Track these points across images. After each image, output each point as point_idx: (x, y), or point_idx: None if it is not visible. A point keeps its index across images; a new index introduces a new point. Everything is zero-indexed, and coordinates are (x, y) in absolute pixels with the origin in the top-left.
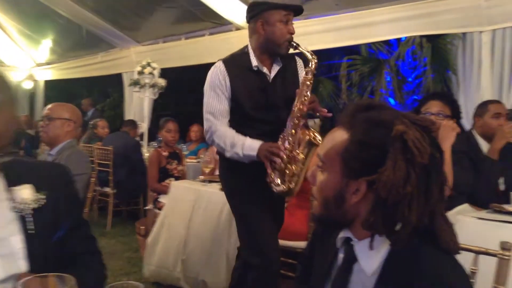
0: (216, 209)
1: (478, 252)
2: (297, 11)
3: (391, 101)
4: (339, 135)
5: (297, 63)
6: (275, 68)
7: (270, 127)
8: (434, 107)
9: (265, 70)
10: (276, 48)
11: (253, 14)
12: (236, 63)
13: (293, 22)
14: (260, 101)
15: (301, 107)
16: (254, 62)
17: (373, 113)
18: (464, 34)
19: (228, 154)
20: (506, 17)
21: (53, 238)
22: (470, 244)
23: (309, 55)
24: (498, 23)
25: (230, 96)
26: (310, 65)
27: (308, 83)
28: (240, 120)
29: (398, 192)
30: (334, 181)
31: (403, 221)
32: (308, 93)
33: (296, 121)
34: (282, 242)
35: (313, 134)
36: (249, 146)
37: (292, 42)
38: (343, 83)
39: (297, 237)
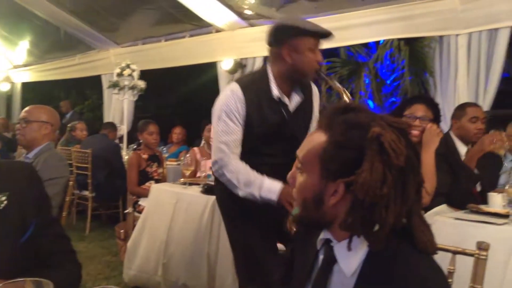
0: (197, 212)
1: (455, 252)
2: (327, 38)
3: (370, 103)
4: (317, 137)
5: (313, 90)
6: (295, 98)
7: (278, 159)
8: (419, 111)
9: (285, 100)
10: (301, 77)
11: (279, 38)
12: (254, 89)
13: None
14: (277, 133)
15: None
16: (275, 91)
17: (351, 115)
18: (441, 37)
19: (240, 193)
20: (481, 20)
21: (22, 239)
22: (447, 244)
23: (341, 90)
24: (474, 26)
25: (244, 124)
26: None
27: None
28: (248, 151)
29: (375, 193)
30: (313, 182)
31: (381, 222)
32: None
33: None
34: None
35: None
36: (268, 188)
37: (321, 73)
38: (322, 85)
39: None
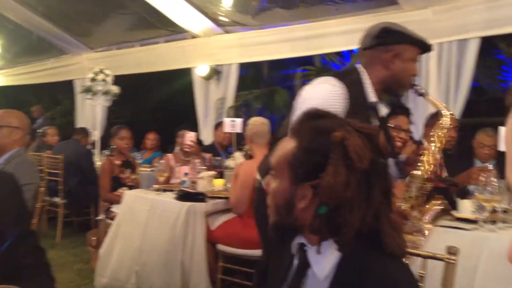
0: (171, 218)
1: (425, 257)
2: (428, 52)
3: None
4: (287, 144)
5: None
6: (382, 110)
7: None
8: (404, 123)
9: (378, 107)
10: (398, 88)
11: (385, 41)
12: (351, 89)
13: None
14: None
15: (428, 171)
16: (373, 97)
17: (319, 122)
18: None
19: None
20: (452, 30)
21: (0, 249)
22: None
23: (440, 106)
24: (444, 36)
25: None
26: (442, 121)
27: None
28: None
29: (338, 196)
30: (284, 187)
31: (346, 224)
32: (437, 156)
33: (421, 185)
34: (237, 251)
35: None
36: None
37: (418, 88)
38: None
39: (252, 245)
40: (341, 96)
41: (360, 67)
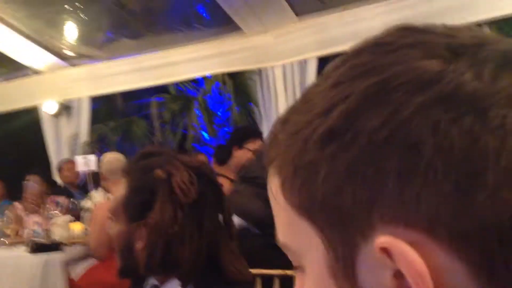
0: (26, 275)
1: (274, 276)
2: None
3: (205, 135)
4: (122, 186)
5: None
6: None
7: None
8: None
9: None
10: None
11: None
12: None
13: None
14: None
15: None
16: None
17: (147, 161)
18: (260, 69)
19: None
20: (292, 53)
21: None
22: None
23: None
24: (286, 58)
25: None
26: None
27: None
28: None
29: (166, 232)
30: (122, 230)
31: (180, 259)
32: None
33: None
34: None
35: None
36: None
37: None
38: (155, 121)
39: None
40: None
41: None
